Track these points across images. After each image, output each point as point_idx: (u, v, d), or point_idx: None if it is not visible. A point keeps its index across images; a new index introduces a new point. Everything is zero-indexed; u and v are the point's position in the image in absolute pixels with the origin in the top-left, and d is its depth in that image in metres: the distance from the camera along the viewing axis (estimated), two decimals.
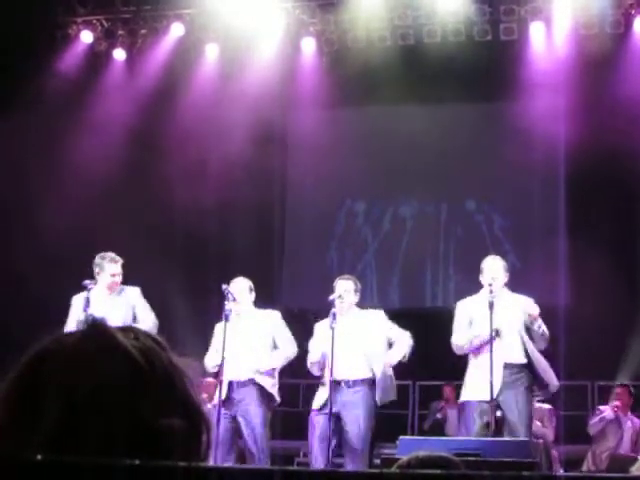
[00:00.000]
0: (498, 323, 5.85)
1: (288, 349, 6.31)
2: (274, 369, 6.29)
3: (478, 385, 5.90)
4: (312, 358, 6.20)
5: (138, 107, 10.33)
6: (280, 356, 6.29)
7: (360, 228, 11.18)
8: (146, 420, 0.95)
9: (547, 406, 8.08)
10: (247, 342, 6.26)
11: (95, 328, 1.02)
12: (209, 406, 7.98)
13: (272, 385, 6.24)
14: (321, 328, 6.30)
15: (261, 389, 6.18)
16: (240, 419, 6.18)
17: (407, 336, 6.29)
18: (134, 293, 6.44)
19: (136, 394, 0.96)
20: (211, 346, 6.42)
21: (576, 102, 9.89)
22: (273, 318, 6.43)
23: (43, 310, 7.53)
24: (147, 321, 6.22)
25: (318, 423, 5.98)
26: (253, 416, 6.13)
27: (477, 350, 5.98)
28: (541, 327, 5.96)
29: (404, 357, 6.22)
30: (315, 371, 6.24)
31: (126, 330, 1.03)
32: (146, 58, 10.65)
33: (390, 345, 6.25)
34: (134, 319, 6.31)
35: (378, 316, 6.30)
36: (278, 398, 6.31)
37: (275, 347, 6.36)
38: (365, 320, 6.27)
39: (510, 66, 10.09)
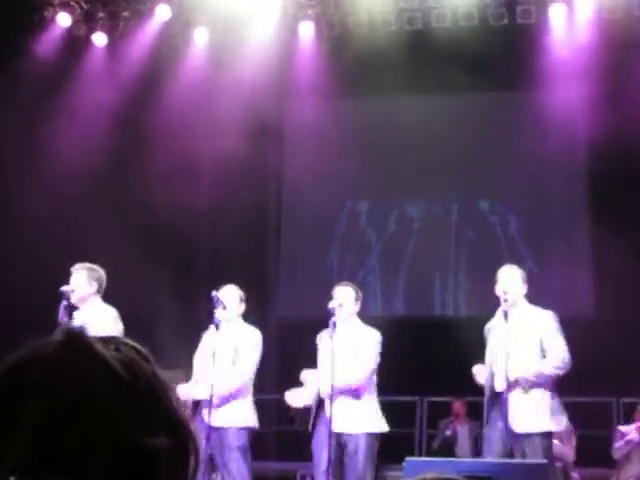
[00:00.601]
0: (511, 340, 5.75)
1: (242, 370, 6.19)
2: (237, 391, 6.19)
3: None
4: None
5: (120, 96, 10.21)
6: (232, 381, 6.17)
7: (363, 230, 11.15)
8: (129, 435, 0.96)
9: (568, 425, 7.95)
10: (223, 361, 6.14)
11: (73, 337, 1.04)
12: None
13: (245, 416, 6.16)
14: (322, 340, 6.24)
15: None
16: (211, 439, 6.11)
17: (357, 376, 6.11)
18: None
19: (117, 405, 0.97)
20: (194, 368, 6.33)
21: (598, 91, 9.86)
22: (248, 336, 6.34)
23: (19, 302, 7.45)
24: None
25: (322, 444, 5.89)
26: (231, 438, 6.09)
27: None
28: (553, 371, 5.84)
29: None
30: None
31: (107, 340, 1.06)
32: (129, 43, 10.54)
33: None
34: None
35: (372, 338, 6.21)
36: (256, 424, 6.23)
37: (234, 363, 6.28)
38: (360, 337, 6.20)
39: (527, 52, 10.02)
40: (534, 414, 5.68)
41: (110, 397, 0.98)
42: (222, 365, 6.11)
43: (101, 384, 0.98)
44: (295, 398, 6.15)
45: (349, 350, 6.12)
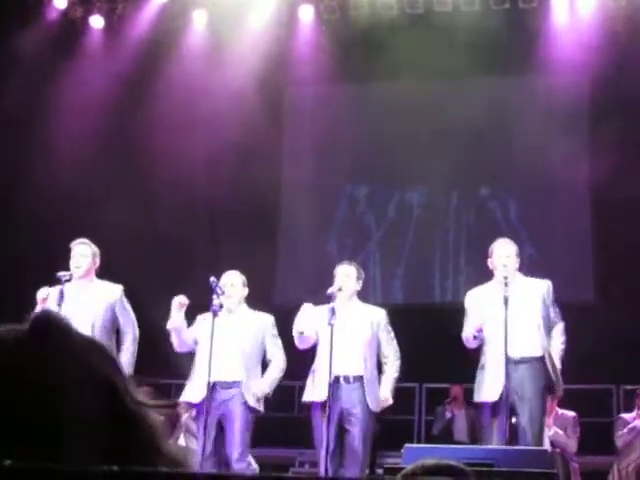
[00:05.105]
0: (512, 314, 5.77)
1: (280, 360, 6.33)
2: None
3: (490, 385, 5.86)
4: (298, 328, 6.16)
5: (118, 80, 10.31)
6: (274, 373, 6.30)
7: (362, 215, 11.12)
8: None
9: (572, 413, 7.94)
10: (237, 343, 6.25)
11: (47, 325, 0.98)
12: (186, 416, 8.02)
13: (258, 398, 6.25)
14: (314, 313, 6.19)
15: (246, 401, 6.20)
16: (223, 421, 6.18)
17: (397, 357, 6.29)
18: (115, 292, 6.30)
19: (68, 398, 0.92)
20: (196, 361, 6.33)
21: (601, 74, 9.88)
22: (266, 322, 6.40)
23: None
24: (129, 336, 6.19)
25: (321, 423, 5.97)
26: (236, 419, 6.14)
27: (488, 343, 5.96)
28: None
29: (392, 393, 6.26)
30: (299, 343, 6.21)
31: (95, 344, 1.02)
32: (127, 26, 10.58)
33: (379, 361, 6.30)
34: (113, 324, 6.22)
35: (379, 315, 6.30)
36: (261, 408, 6.28)
37: (264, 354, 6.36)
38: (365, 316, 6.26)
39: (529, 36, 10.05)
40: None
41: (64, 390, 0.93)
42: (248, 348, 6.21)
43: (59, 378, 0.93)
44: None
45: (358, 330, 6.18)
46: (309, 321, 6.14)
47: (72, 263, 6.24)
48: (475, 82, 10.60)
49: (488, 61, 10.14)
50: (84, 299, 6.13)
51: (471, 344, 6.04)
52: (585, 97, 10.37)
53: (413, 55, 9.95)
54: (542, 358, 5.86)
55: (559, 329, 5.99)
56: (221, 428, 6.18)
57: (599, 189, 10.07)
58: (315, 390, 6.15)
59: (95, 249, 6.35)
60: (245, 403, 6.16)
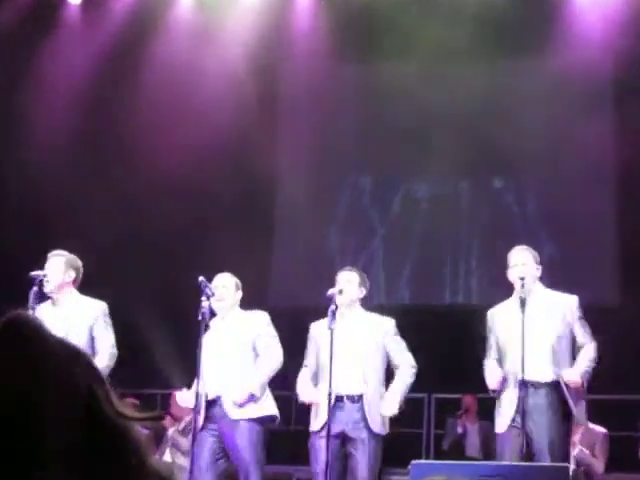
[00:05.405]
0: (528, 335, 5.71)
1: (271, 358, 6.13)
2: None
3: (506, 415, 5.83)
4: (304, 376, 6.18)
5: (97, 62, 10.22)
6: (262, 372, 6.13)
7: (366, 209, 11.06)
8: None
9: (602, 429, 7.86)
10: (230, 352, 6.14)
11: (18, 326, 1.02)
12: (172, 430, 7.93)
13: (260, 405, 6.08)
14: (317, 331, 6.20)
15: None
16: (225, 437, 6.08)
17: (410, 365, 6.16)
18: (95, 310, 6.17)
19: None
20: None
21: (626, 55, 9.79)
22: (257, 319, 6.28)
23: None
24: (104, 354, 6.00)
25: (320, 448, 5.88)
26: (241, 434, 6.02)
27: (504, 366, 5.91)
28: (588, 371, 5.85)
29: (401, 404, 6.08)
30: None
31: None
32: (107, 1, 10.47)
33: (389, 370, 6.21)
34: (90, 343, 6.08)
35: (386, 325, 6.19)
36: (275, 411, 6.19)
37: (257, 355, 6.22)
38: (368, 326, 6.16)
39: (546, 13, 9.93)
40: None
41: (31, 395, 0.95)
42: (240, 357, 6.10)
43: (29, 380, 0.95)
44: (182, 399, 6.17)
45: (360, 341, 6.08)
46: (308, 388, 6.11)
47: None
48: (486, 62, 10.50)
49: (500, 39, 10.08)
50: (57, 318, 5.98)
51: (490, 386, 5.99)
52: (608, 76, 10.25)
53: (420, 33, 9.91)
54: (555, 383, 5.78)
55: (588, 351, 5.84)
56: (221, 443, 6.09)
57: (626, 177, 10.00)
58: (318, 415, 6.07)
59: (73, 261, 6.20)
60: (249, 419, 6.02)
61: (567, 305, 5.90)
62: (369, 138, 10.80)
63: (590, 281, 9.36)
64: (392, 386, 6.11)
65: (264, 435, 6.12)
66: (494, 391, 5.88)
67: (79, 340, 5.89)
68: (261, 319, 6.28)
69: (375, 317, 6.24)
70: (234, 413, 6.01)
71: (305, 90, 10.96)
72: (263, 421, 6.10)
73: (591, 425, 7.70)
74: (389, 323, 6.20)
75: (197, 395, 5.97)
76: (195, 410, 6.00)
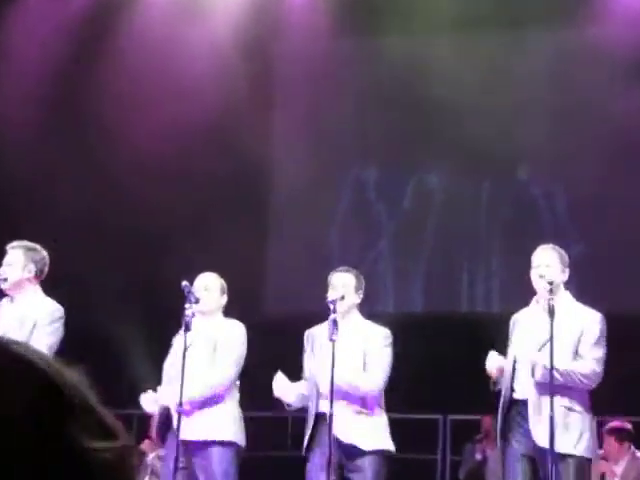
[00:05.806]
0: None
1: (221, 370, 6.11)
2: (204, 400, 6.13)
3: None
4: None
5: (69, 33, 10.36)
6: (199, 387, 6.08)
7: (371, 205, 11.09)
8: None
9: None
10: (197, 364, 6.07)
11: None
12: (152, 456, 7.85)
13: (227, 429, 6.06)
14: (314, 340, 6.15)
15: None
16: (197, 467, 6.06)
17: (375, 384, 6.03)
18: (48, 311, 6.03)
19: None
20: (164, 373, 6.25)
21: None
22: (228, 330, 6.24)
23: None
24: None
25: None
26: (215, 462, 6.01)
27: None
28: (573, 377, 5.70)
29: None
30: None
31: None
32: None
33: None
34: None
35: (377, 333, 6.13)
36: (242, 442, 6.15)
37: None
38: (362, 335, 6.10)
39: None
40: (563, 431, 5.57)
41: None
42: (198, 367, 6.02)
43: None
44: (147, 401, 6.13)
45: (351, 353, 6.01)
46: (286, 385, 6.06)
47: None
48: (512, 35, 10.57)
49: (527, 7, 10.21)
50: (12, 317, 6.00)
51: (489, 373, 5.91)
52: None
53: (430, 5, 10.03)
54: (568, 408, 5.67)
55: (583, 366, 5.71)
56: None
57: None
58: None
59: (34, 254, 6.13)
60: (222, 442, 6.01)
61: (586, 322, 5.83)
62: (374, 123, 10.77)
63: (626, 286, 9.53)
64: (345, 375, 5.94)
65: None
66: (494, 383, 5.76)
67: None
68: (233, 329, 6.27)
69: (370, 325, 6.18)
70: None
71: (301, 69, 11.00)
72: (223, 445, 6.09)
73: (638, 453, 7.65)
74: (381, 332, 6.12)
75: (164, 408, 6.05)
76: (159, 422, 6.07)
